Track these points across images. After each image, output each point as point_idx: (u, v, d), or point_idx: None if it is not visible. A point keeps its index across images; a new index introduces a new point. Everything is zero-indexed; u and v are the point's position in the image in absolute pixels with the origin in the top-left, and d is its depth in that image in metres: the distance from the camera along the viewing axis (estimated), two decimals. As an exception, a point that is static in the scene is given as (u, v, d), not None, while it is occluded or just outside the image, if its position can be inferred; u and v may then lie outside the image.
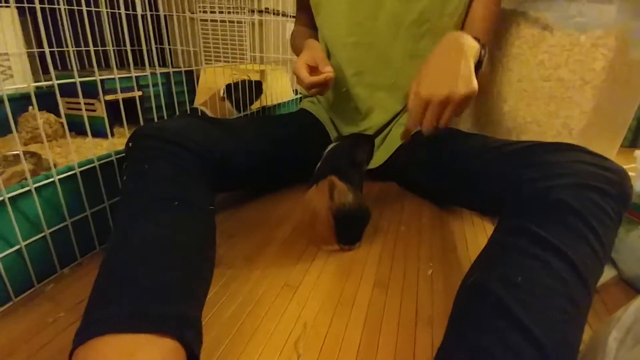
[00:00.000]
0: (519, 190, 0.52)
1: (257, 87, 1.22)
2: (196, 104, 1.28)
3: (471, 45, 0.68)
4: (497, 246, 0.47)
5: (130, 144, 0.60)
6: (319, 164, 0.73)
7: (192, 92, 1.36)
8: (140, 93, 1.13)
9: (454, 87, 0.61)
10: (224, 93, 1.14)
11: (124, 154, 0.67)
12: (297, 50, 1.06)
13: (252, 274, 0.63)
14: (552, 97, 0.96)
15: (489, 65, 1.01)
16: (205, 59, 1.59)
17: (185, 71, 1.42)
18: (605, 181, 0.46)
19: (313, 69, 0.82)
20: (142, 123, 0.70)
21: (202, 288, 0.48)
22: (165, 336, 0.37)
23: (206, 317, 0.53)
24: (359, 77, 0.95)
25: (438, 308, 0.57)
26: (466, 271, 0.65)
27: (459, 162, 0.73)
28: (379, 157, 0.97)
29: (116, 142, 1.15)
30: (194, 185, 0.58)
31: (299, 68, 0.81)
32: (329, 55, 0.98)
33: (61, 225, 0.59)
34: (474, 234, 0.80)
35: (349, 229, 0.69)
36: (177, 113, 0.95)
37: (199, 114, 1.12)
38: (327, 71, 0.80)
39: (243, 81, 1.14)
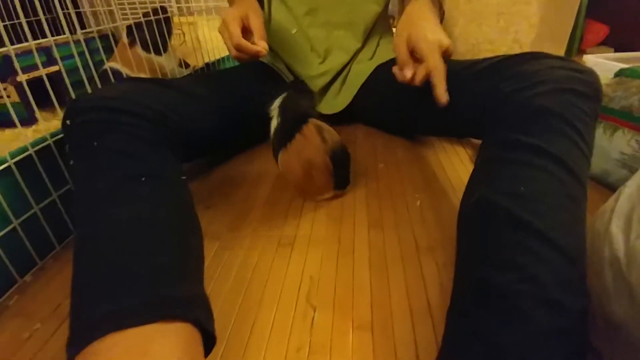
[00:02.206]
0: (501, 103, 0.51)
1: (166, 22, 1.05)
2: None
3: (432, 9, 0.72)
4: (491, 161, 0.47)
5: (68, 122, 0.51)
6: (277, 118, 0.68)
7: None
8: (57, 68, 0.97)
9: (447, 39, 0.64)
10: (128, 37, 0.99)
11: (61, 136, 0.57)
12: None
13: (243, 241, 0.59)
14: (501, 13, 0.96)
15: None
16: (124, 18, 1.39)
17: (102, 36, 1.25)
18: (580, 83, 0.46)
19: (244, 31, 0.73)
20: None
21: (198, 263, 0.43)
22: (176, 321, 0.33)
23: (206, 291, 0.49)
24: (313, 16, 0.87)
25: (435, 235, 0.58)
26: (451, 196, 0.66)
27: (430, 88, 0.72)
28: (343, 99, 0.94)
29: (42, 130, 1.00)
30: (157, 156, 0.51)
31: (230, 20, 0.71)
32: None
33: (8, 228, 0.50)
34: (449, 160, 0.81)
35: (343, 170, 0.67)
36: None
37: (110, 75, 0.83)
38: (262, 47, 0.71)
39: (145, 13, 0.98)
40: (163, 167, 0.50)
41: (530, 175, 0.41)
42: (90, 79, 0.67)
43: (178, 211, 0.46)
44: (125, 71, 0.96)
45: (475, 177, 0.48)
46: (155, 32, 0.99)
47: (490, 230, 0.39)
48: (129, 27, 0.97)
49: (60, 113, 0.55)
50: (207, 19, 1.26)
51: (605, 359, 0.35)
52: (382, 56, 0.92)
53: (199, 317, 0.36)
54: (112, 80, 0.81)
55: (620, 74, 0.64)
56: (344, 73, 0.95)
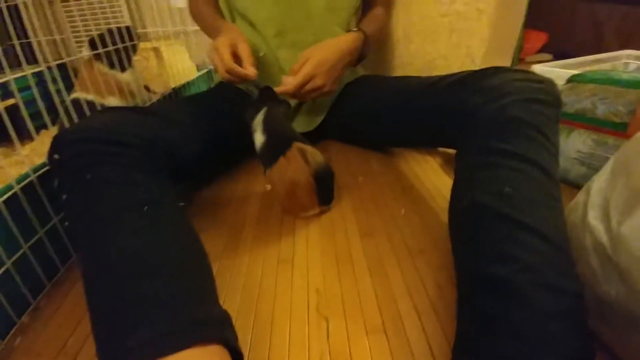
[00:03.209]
0: (472, 116, 0.56)
1: (129, 34, 1.01)
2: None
3: (350, 49, 0.85)
4: (474, 167, 0.52)
5: (56, 156, 0.49)
6: (262, 135, 0.70)
7: (70, 90, 1.14)
8: (13, 101, 0.91)
9: (330, 83, 0.80)
10: (90, 51, 0.94)
11: (44, 171, 0.55)
12: (203, 19, 0.96)
13: (242, 260, 0.60)
14: (453, 30, 1.05)
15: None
16: (79, 48, 1.34)
17: (58, 65, 1.20)
18: (542, 92, 0.53)
19: (233, 57, 0.76)
20: (33, 136, 0.59)
21: (213, 284, 0.44)
22: (210, 344, 0.34)
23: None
24: (282, 37, 0.91)
25: (424, 239, 0.62)
26: (430, 201, 0.71)
27: (402, 103, 0.77)
28: (315, 118, 0.97)
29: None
30: (154, 183, 0.51)
31: (221, 46, 0.74)
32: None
33: (2, 270, 0.47)
34: (421, 169, 0.87)
35: (327, 187, 0.70)
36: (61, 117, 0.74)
37: (82, 105, 0.79)
38: (251, 72, 0.74)
39: (109, 29, 0.96)
40: (162, 194, 0.50)
41: (511, 176, 0.46)
42: (50, 110, 0.64)
43: (185, 236, 0.47)
44: (97, 100, 0.92)
45: (460, 183, 0.53)
46: (120, 47, 0.97)
47: (483, 228, 0.43)
48: (91, 40, 0.94)
49: (20, 148, 0.54)
50: (167, 44, 1.25)
51: (600, 335, 0.40)
52: (351, 75, 0.98)
53: (228, 337, 0.37)
54: (86, 110, 0.78)
55: (572, 80, 0.74)
56: (315, 93, 0.98)
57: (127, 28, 1.02)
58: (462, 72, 0.67)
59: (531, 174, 0.46)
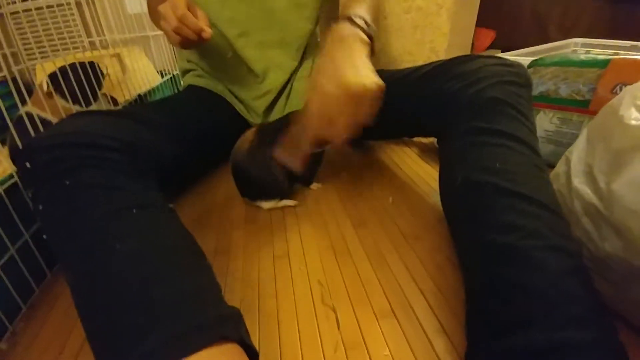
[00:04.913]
0: (453, 100, 0.58)
1: (93, 70, 0.96)
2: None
3: (358, 40, 0.57)
4: (462, 148, 0.53)
5: (27, 164, 0.45)
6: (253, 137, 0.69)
7: (25, 103, 1.06)
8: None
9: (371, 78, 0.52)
10: (49, 86, 0.88)
11: (10, 184, 0.51)
12: (157, 13, 0.92)
13: (236, 260, 0.58)
14: (416, 26, 1.09)
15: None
16: (29, 59, 1.25)
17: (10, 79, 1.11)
18: (515, 75, 0.56)
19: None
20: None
21: (217, 284, 0.42)
22: (226, 343, 0.32)
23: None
24: (246, 37, 0.89)
25: (416, 224, 0.63)
26: (415, 188, 0.72)
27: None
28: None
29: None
30: (139, 186, 0.48)
31: (170, 5, 0.66)
32: None
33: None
34: (401, 159, 0.88)
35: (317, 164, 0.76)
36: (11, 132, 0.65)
37: (32, 120, 0.69)
38: (207, 30, 0.68)
39: (73, 65, 0.91)
40: (149, 196, 0.47)
41: (500, 153, 0.48)
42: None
43: (181, 237, 0.45)
44: (47, 117, 0.84)
45: (450, 165, 0.54)
46: (83, 82, 0.91)
47: (482, 202, 0.45)
48: (52, 75, 0.87)
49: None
50: (128, 50, 1.20)
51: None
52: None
53: (243, 334, 0.35)
54: (30, 127, 0.70)
55: (533, 65, 0.78)
56: (286, 91, 0.97)
57: (92, 64, 0.97)
58: (434, 62, 0.68)
59: (518, 149, 0.48)
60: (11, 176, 0.52)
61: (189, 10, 0.68)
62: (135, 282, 0.35)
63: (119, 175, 0.47)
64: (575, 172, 0.47)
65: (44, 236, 0.42)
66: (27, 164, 0.45)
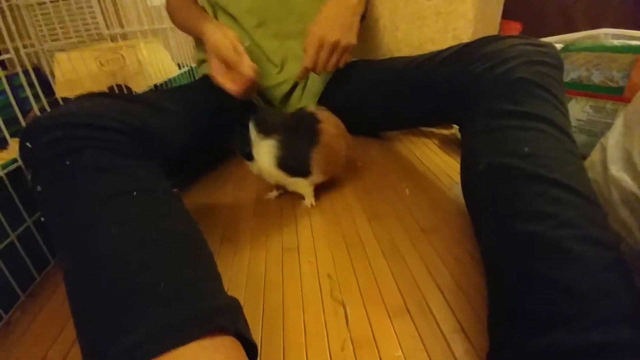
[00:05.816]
0: (478, 82, 0.54)
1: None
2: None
3: (359, 2, 0.79)
4: (487, 131, 0.48)
5: (28, 144, 0.44)
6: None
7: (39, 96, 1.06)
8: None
9: (343, 35, 0.74)
10: None
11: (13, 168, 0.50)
12: (182, 21, 0.91)
13: (243, 251, 0.55)
14: (439, 13, 1.04)
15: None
16: (49, 51, 1.27)
17: (25, 70, 1.13)
18: (545, 55, 0.51)
19: (227, 65, 0.73)
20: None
21: (217, 273, 0.39)
22: (220, 335, 0.30)
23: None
24: (264, 27, 0.87)
25: (434, 217, 0.59)
26: (435, 180, 0.68)
27: (396, 82, 0.74)
28: (306, 106, 0.93)
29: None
30: (143, 169, 0.46)
31: (217, 75, 0.74)
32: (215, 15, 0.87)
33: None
34: (420, 151, 0.84)
35: None
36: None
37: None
38: (247, 73, 0.72)
39: None
40: (152, 180, 0.45)
41: (529, 136, 0.43)
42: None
43: (183, 223, 0.42)
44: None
45: (474, 148, 0.50)
46: None
47: (508, 188, 0.40)
48: None
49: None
50: (147, 41, 1.20)
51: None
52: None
53: (239, 327, 0.32)
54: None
55: (564, 50, 0.72)
56: (303, 81, 0.95)
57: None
58: (457, 45, 0.64)
59: (548, 132, 0.43)
60: (14, 160, 0.51)
61: (221, 56, 0.73)
62: (128, 268, 0.32)
63: (121, 158, 0.45)
64: (612, 159, 0.42)
65: (42, 219, 0.41)
66: (28, 144, 0.44)
